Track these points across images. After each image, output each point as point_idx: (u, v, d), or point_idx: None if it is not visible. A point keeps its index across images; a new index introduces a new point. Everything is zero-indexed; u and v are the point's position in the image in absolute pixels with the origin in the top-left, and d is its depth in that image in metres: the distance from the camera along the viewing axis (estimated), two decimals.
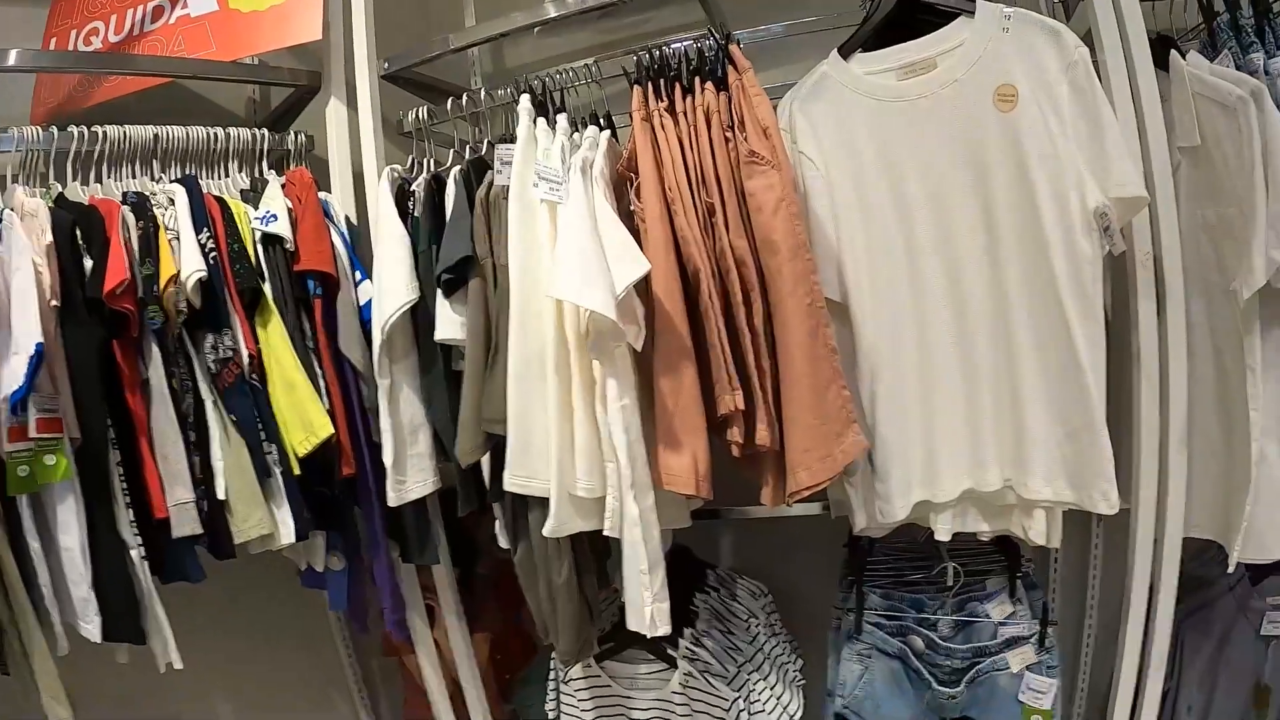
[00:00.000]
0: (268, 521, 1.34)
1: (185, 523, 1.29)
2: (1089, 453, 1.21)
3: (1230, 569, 1.31)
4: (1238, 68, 1.23)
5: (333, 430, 1.34)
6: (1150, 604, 1.38)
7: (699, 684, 1.47)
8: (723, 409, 1.15)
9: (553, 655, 1.57)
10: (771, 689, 1.53)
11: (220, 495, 1.32)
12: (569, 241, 1.12)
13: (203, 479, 1.32)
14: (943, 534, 1.30)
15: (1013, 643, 1.38)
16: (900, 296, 1.27)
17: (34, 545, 1.22)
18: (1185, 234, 1.28)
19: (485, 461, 1.34)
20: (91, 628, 1.26)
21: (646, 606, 1.17)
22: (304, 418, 1.33)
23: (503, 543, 1.39)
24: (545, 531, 1.19)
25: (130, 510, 1.29)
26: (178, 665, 1.35)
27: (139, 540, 1.30)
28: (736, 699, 1.45)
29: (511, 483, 1.20)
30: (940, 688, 1.38)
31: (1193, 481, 1.32)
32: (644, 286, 1.15)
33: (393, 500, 1.39)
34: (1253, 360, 1.22)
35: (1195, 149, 1.26)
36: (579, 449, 1.16)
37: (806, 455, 1.14)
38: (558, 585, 1.29)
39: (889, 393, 1.27)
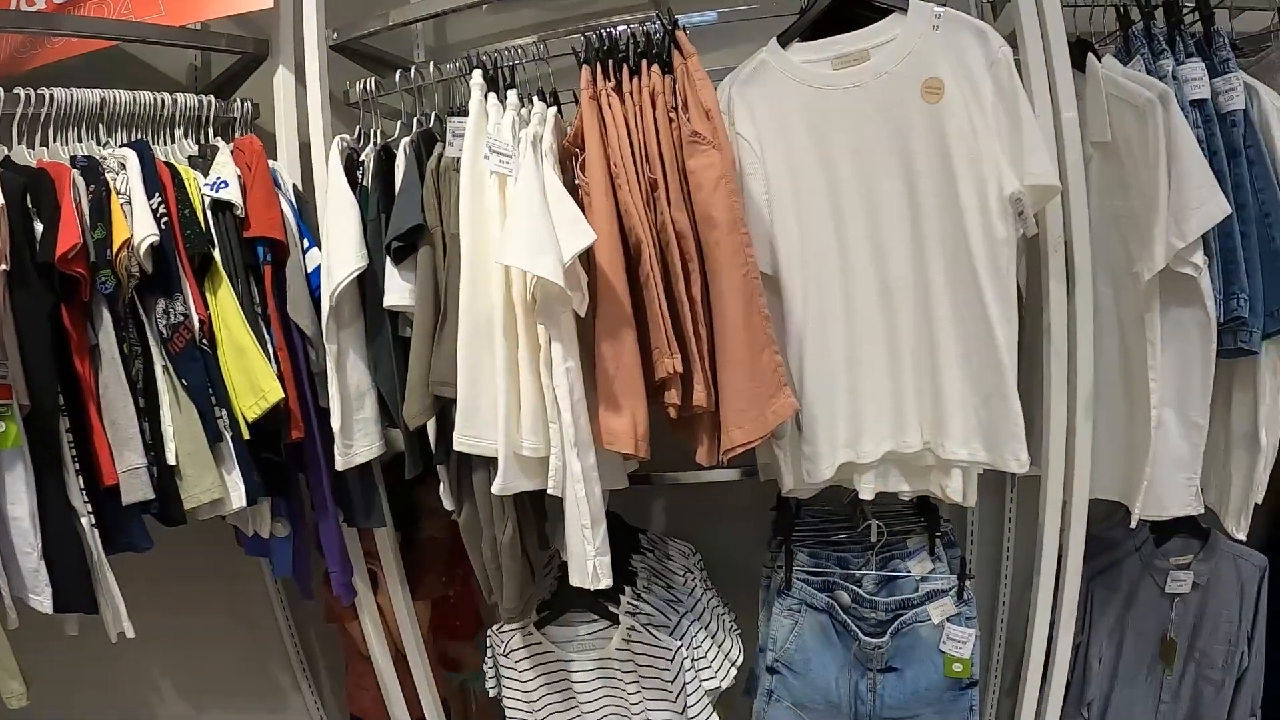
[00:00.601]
0: (219, 486, 1.35)
1: (136, 488, 1.29)
2: (1002, 417, 1.29)
3: (1133, 525, 1.42)
4: (1149, 72, 1.31)
5: (283, 395, 1.35)
6: (1060, 560, 1.48)
7: (642, 637, 1.52)
8: (661, 372, 1.20)
9: (488, 632, 1.62)
10: (713, 637, 1.60)
11: (171, 460, 1.33)
12: (520, 212, 1.16)
13: (152, 445, 1.32)
14: (866, 493, 1.38)
15: (933, 595, 1.46)
16: (829, 271, 1.34)
17: None
18: (1095, 223, 1.38)
19: (430, 426, 1.37)
20: (43, 599, 1.26)
21: (589, 560, 1.23)
22: (254, 382, 1.35)
23: (447, 505, 1.42)
24: (493, 489, 1.23)
25: (80, 478, 1.29)
26: (129, 634, 1.36)
27: (89, 508, 1.29)
28: (680, 647, 1.50)
29: (461, 442, 1.24)
30: (867, 639, 1.46)
31: (1098, 447, 1.43)
32: (587, 257, 1.20)
33: (340, 464, 1.41)
34: (1153, 335, 1.32)
35: (1106, 145, 1.36)
36: (525, 410, 1.21)
37: (741, 415, 1.20)
38: (502, 545, 1.33)
39: (816, 360, 1.34)
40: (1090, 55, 1.36)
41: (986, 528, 1.87)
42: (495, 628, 1.61)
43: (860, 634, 1.47)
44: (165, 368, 1.34)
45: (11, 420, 1.20)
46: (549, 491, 1.24)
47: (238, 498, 1.36)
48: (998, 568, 1.87)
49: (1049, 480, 1.45)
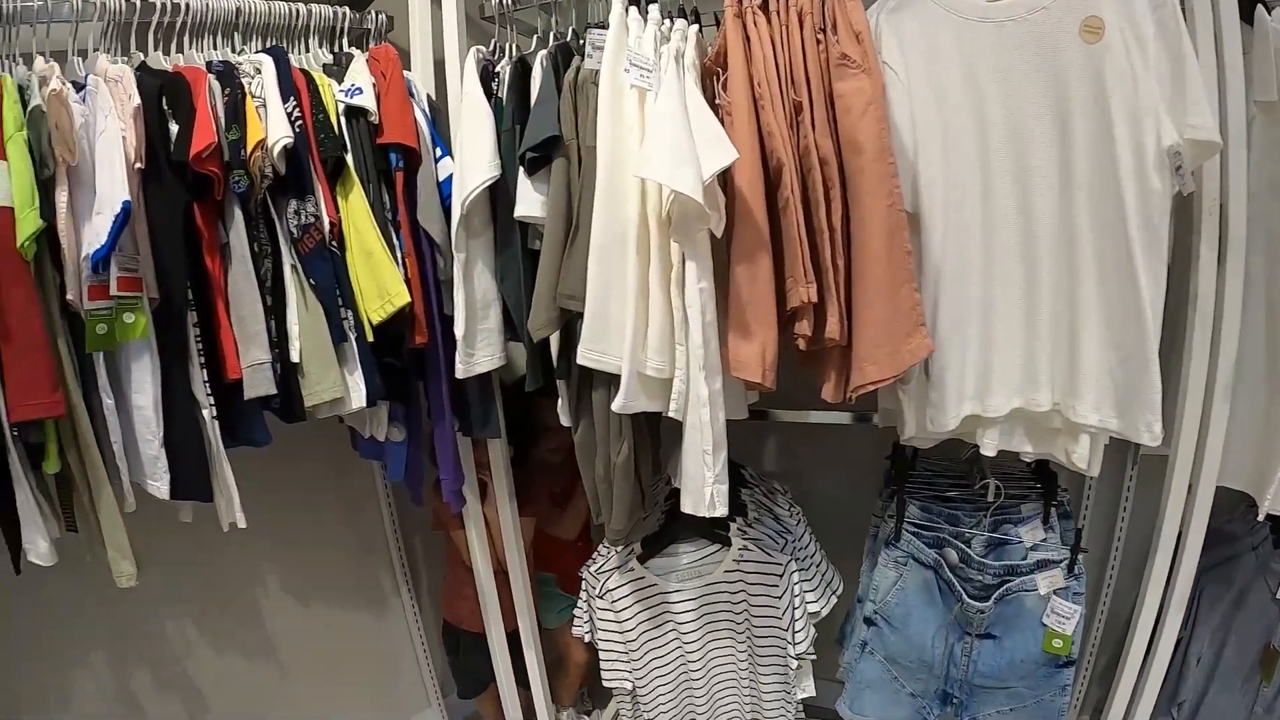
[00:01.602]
0: (340, 385, 1.37)
1: (260, 383, 1.32)
2: (1139, 383, 1.22)
3: (1260, 517, 1.35)
4: None
5: (409, 299, 1.36)
6: (1177, 549, 1.41)
7: (754, 555, 1.52)
8: (794, 301, 1.17)
9: (583, 575, 1.63)
10: (817, 566, 1.60)
11: (294, 358, 1.35)
12: (661, 126, 1.13)
13: (277, 342, 1.34)
14: (989, 449, 1.33)
15: (1043, 565, 1.41)
16: (971, 211, 1.28)
17: (107, 402, 1.25)
18: (1254, 188, 1.29)
19: (553, 341, 1.37)
20: (160, 485, 1.29)
21: (707, 487, 1.21)
22: (381, 286, 1.36)
23: (564, 421, 1.42)
24: (614, 407, 1.22)
25: (204, 371, 1.32)
26: (241, 524, 1.39)
27: (211, 400, 1.32)
28: (789, 560, 1.50)
29: (585, 357, 1.24)
30: (970, 601, 1.42)
31: (1232, 432, 1.34)
32: (725, 178, 1.17)
33: (461, 372, 1.42)
34: None
35: (1272, 105, 1.27)
36: (653, 329, 1.20)
37: (876, 350, 1.16)
38: (615, 464, 1.33)
39: (951, 304, 1.29)
40: (1260, 7, 1.27)
41: (1102, 505, 1.79)
42: (593, 568, 1.61)
43: (964, 595, 1.42)
44: (294, 267, 1.36)
45: (141, 312, 1.23)
46: (668, 414, 1.22)
47: (358, 398, 1.38)
48: (1107, 547, 1.79)
49: (1176, 462, 1.37)
